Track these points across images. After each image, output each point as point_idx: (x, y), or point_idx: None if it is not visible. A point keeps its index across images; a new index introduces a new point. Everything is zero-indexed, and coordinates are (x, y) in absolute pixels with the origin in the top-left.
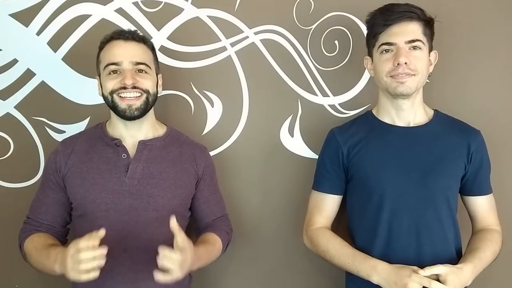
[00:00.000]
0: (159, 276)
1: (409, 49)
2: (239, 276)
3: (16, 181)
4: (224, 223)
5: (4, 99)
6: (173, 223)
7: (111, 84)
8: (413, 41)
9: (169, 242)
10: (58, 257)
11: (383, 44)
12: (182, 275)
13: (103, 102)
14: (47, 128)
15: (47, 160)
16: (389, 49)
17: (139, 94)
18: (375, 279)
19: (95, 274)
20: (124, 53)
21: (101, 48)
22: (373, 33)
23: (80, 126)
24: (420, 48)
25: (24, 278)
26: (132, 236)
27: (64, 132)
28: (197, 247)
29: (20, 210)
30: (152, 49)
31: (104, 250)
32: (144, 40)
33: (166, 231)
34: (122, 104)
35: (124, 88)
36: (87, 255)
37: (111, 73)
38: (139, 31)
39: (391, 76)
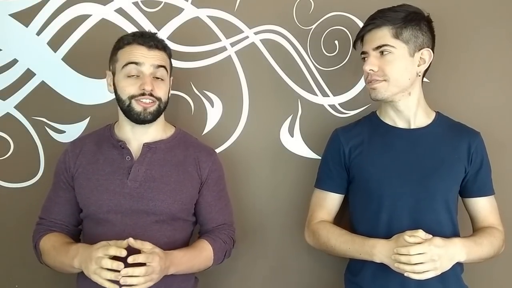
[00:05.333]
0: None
1: (381, 55)
2: (241, 276)
3: (16, 181)
4: (225, 231)
5: (4, 99)
6: (131, 243)
7: (131, 89)
8: (379, 47)
9: (169, 245)
10: (80, 251)
11: (361, 53)
12: (153, 283)
13: (103, 102)
14: (47, 128)
15: (58, 160)
16: (365, 57)
17: (153, 101)
18: (377, 258)
19: (110, 285)
20: (146, 56)
21: (119, 47)
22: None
23: (80, 126)
24: (390, 52)
25: (24, 278)
26: (133, 238)
27: (64, 132)
28: (178, 251)
29: (20, 210)
30: (170, 56)
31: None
32: (165, 48)
33: (166, 234)
34: (138, 108)
35: (143, 94)
36: (107, 264)
37: (130, 76)
38: (158, 35)
39: (368, 83)
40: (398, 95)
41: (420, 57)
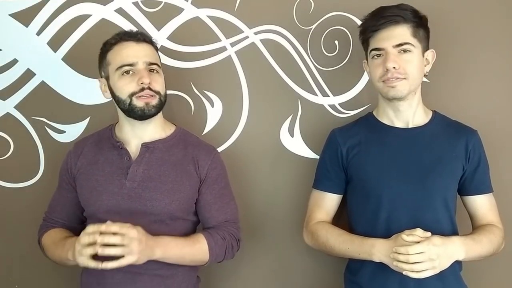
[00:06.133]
0: (108, 264)
1: (399, 52)
2: (241, 275)
3: (16, 181)
4: (225, 228)
5: (4, 99)
6: (109, 224)
7: (130, 87)
8: (401, 44)
9: None
10: (72, 244)
11: (373, 49)
12: (135, 257)
13: (103, 102)
14: (47, 128)
15: (62, 161)
16: (379, 54)
17: (153, 95)
18: (376, 258)
19: (92, 263)
20: (138, 53)
21: (107, 50)
22: (364, 39)
23: (80, 126)
24: (409, 51)
25: (24, 278)
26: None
27: (64, 132)
28: (166, 236)
29: (20, 210)
30: (157, 49)
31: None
32: (151, 41)
33: (165, 234)
34: (140, 104)
35: (143, 89)
36: (84, 240)
37: (124, 74)
38: (145, 32)
39: (383, 81)
40: (411, 94)
41: (426, 58)
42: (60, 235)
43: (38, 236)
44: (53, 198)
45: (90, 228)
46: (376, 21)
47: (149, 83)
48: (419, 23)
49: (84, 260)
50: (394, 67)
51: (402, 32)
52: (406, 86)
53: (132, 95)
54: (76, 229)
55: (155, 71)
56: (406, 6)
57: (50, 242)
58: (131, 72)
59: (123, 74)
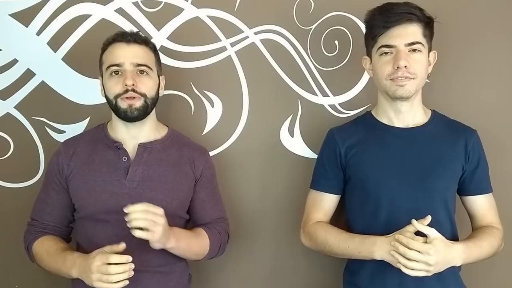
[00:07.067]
0: (137, 233)
1: (409, 51)
2: (238, 275)
3: (16, 181)
4: (219, 224)
5: (4, 99)
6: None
7: (116, 88)
8: (413, 43)
9: None
10: (77, 262)
11: (382, 46)
12: (158, 236)
13: (103, 102)
14: (47, 128)
15: (50, 161)
16: (388, 51)
17: (138, 97)
18: (377, 255)
19: (124, 284)
20: (126, 54)
21: (103, 49)
22: (372, 35)
23: (80, 126)
24: (420, 51)
25: (24, 278)
26: (132, 237)
27: (64, 132)
28: (176, 227)
29: (20, 210)
30: (155, 50)
31: (132, 265)
32: (146, 41)
33: None
34: (123, 105)
35: (127, 91)
36: (118, 270)
37: (113, 74)
38: (141, 33)
39: (391, 79)
40: (415, 93)
41: (428, 59)
42: (55, 245)
43: (27, 242)
44: (40, 201)
45: (115, 258)
46: (388, 17)
47: (133, 85)
48: (428, 23)
49: (104, 285)
50: (405, 66)
51: (414, 31)
52: (414, 86)
53: (117, 96)
54: (66, 231)
55: (144, 73)
56: (414, 5)
57: (43, 250)
58: (119, 73)
59: (111, 74)
